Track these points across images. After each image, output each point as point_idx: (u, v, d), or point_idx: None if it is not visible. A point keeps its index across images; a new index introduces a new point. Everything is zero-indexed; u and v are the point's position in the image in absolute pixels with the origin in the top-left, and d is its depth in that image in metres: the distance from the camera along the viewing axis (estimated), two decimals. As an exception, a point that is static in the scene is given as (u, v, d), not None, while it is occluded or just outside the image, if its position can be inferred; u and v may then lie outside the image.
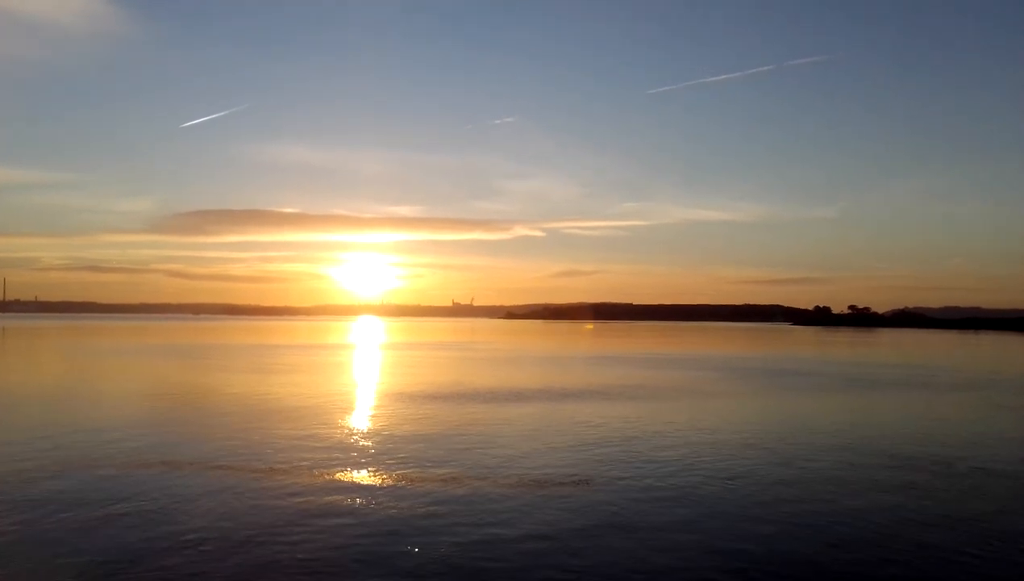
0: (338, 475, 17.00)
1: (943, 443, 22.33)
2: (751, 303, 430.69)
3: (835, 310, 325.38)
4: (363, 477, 16.90)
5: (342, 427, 24.31)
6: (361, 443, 21.33)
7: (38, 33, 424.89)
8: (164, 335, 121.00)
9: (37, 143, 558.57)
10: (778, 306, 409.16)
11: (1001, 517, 14.17)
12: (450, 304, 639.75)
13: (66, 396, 33.63)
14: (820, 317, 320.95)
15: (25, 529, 12.63)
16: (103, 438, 21.58)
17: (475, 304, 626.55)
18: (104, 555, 11.32)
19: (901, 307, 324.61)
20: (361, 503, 14.57)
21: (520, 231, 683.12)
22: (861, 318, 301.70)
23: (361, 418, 26.67)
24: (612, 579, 10.70)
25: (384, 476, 16.96)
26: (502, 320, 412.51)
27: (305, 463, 18.23)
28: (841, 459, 19.53)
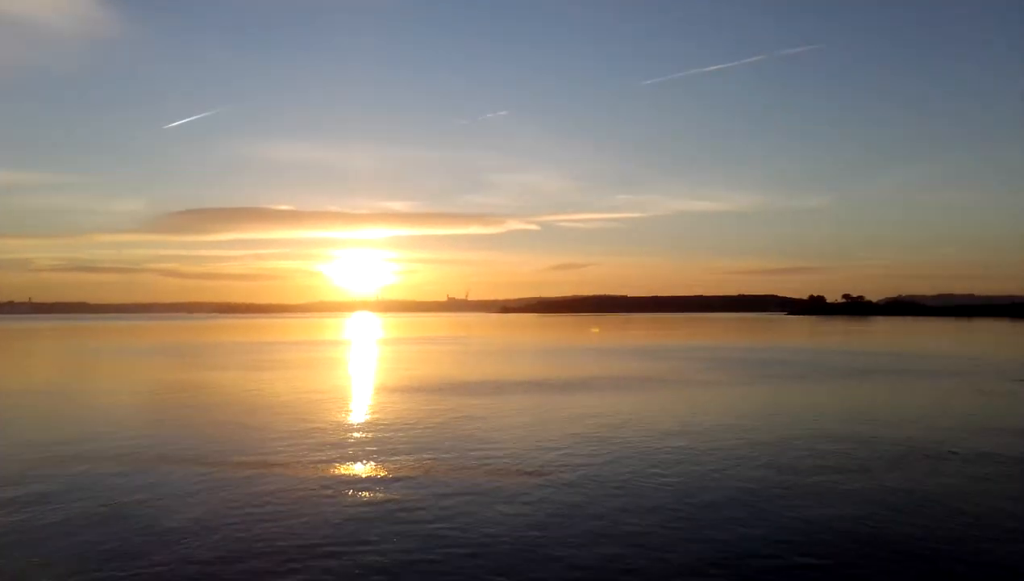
0: (329, 469, 17.39)
1: (925, 428, 22.79)
2: (745, 293, 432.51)
3: (829, 299, 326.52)
4: (352, 470, 17.30)
5: (334, 422, 24.69)
6: (352, 437, 21.72)
7: (26, 35, 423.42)
8: (158, 335, 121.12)
9: (28, 145, 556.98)
10: (773, 296, 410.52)
11: (971, 498, 14.66)
12: (445, 299, 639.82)
13: (62, 396, 33.95)
14: (815, 306, 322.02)
15: (21, 525, 13.02)
16: (99, 436, 21.94)
17: (470, 298, 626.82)
18: (100, 550, 11.72)
19: (895, 295, 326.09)
20: (348, 494, 14.99)
21: (513, 225, 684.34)
22: (855, 307, 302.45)
23: (353, 413, 27.05)
24: (576, 570, 11.13)
25: (373, 468, 17.38)
26: (497, 314, 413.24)
27: (298, 458, 18.63)
28: (822, 448, 19.98)
